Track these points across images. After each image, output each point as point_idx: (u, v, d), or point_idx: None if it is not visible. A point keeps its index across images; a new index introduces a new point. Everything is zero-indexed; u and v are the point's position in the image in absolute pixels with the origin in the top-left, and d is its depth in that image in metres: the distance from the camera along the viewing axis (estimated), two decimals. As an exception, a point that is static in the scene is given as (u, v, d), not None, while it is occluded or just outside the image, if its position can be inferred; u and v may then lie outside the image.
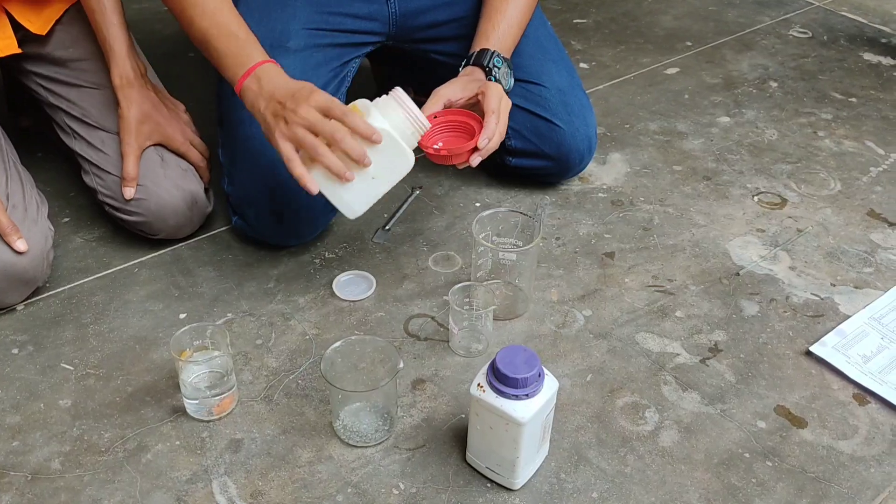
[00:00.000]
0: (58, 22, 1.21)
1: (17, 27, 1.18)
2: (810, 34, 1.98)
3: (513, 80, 1.25)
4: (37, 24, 1.19)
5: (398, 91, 1.03)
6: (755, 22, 2.04)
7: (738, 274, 1.23)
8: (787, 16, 2.08)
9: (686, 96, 1.71)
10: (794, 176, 1.46)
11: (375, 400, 0.98)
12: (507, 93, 1.24)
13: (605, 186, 1.42)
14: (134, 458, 0.93)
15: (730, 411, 1.01)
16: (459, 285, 1.07)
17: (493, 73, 1.19)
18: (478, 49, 1.20)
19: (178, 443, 0.95)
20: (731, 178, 1.45)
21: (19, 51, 1.18)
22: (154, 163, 1.18)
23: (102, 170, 1.19)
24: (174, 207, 1.18)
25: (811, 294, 1.19)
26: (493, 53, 1.19)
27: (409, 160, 1.03)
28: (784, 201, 1.40)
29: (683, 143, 1.55)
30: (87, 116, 1.20)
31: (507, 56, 1.23)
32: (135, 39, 1.23)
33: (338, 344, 0.95)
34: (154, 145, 1.19)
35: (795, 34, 1.98)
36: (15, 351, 1.07)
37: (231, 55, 1.06)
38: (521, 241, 1.14)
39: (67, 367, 1.05)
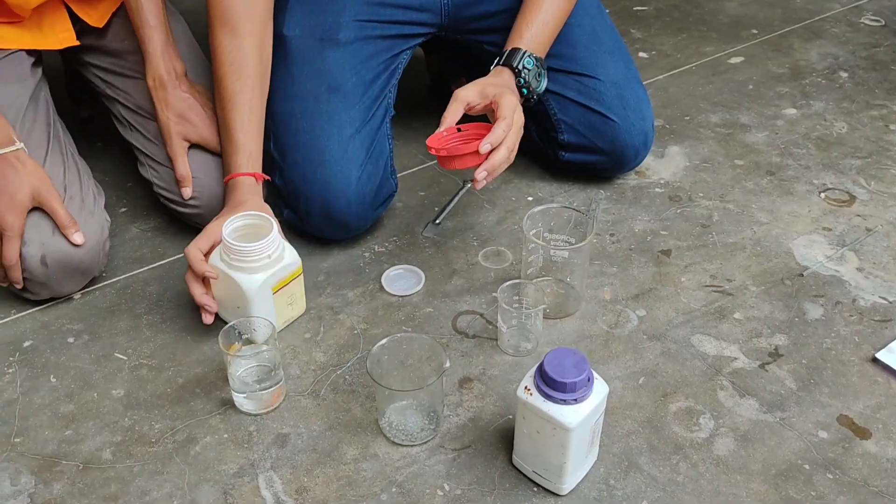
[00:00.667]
0: (115, 14, 1.22)
1: (75, 19, 1.20)
2: (883, 22, 1.89)
3: (545, 81, 1.21)
4: (94, 16, 1.20)
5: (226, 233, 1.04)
6: (825, 9, 1.95)
7: (801, 275, 1.18)
8: (859, 3, 1.98)
9: (750, 87, 1.65)
10: (864, 172, 1.40)
11: (421, 399, 0.97)
12: (536, 96, 1.20)
13: (662, 181, 1.38)
14: (183, 449, 0.94)
15: (790, 420, 0.97)
16: (509, 283, 1.05)
17: (523, 74, 1.16)
18: (509, 48, 1.18)
19: (226, 436, 0.96)
20: (797, 173, 1.40)
21: (77, 43, 1.20)
22: (206, 156, 1.19)
23: (157, 162, 1.20)
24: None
25: (879, 297, 1.14)
26: (524, 54, 1.16)
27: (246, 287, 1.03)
28: (852, 198, 1.33)
29: (746, 136, 1.50)
30: (142, 108, 1.21)
31: (542, 55, 1.19)
32: (178, 33, 1.23)
33: (384, 341, 0.95)
34: (192, 146, 1.20)
35: (867, 22, 1.89)
36: (71, 340, 1.09)
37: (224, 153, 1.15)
38: (574, 238, 1.12)
39: (121, 356, 1.07)
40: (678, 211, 1.31)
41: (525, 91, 1.17)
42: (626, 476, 0.91)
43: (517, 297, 1.06)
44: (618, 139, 1.28)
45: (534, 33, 1.18)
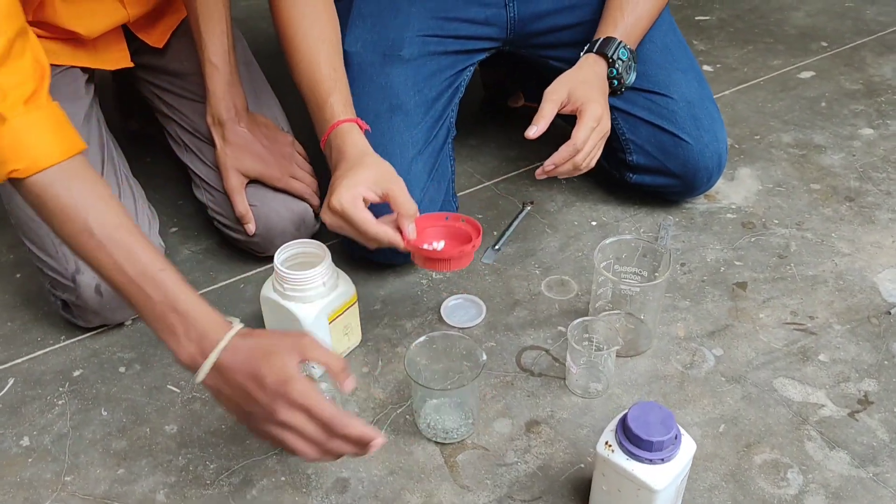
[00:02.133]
0: (174, 35, 1.18)
1: (132, 36, 1.17)
2: (963, 33, 1.80)
3: (635, 74, 1.16)
4: (154, 36, 1.17)
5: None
6: (898, 20, 1.86)
7: (889, 312, 1.10)
8: (936, 12, 1.89)
9: (823, 104, 1.57)
10: (951, 199, 1.31)
11: (458, 396, 0.95)
12: (625, 89, 1.15)
13: (734, 206, 1.31)
14: (239, 493, 0.90)
15: (883, 475, 0.90)
16: (579, 321, 0.99)
17: (617, 65, 1.11)
18: (603, 36, 1.12)
19: (283, 479, 0.92)
20: (878, 199, 1.32)
21: (131, 65, 1.16)
22: (263, 186, 1.15)
23: (212, 186, 1.17)
24: (282, 229, 1.15)
25: (976, 340, 1.06)
26: (619, 44, 1.11)
27: (302, 317, 0.98)
28: (939, 228, 1.26)
29: (821, 158, 1.42)
30: (199, 131, 1.17)
31: (633, 48, 1.13)
32: (239, 55, 1.19)
33: (421, 339, 0.95)
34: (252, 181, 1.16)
35: (945, 33, 1.80)
36: (122, 370, 1.06)
37: (314, 116, 1.05)
38: (644, 270, 1.06)
39: (174, 389, 1.03)
40: (752, 239, 1.24)
41: (615, 83, 1.12)
42: (709, 536, 0.85)
43: (587, 335, 1.01)
44: (690, 161, 1.21)
45: (628, 24, 1.12)
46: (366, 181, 0.93)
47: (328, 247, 1.01)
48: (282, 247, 0.99)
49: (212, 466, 0.93)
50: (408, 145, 1.11)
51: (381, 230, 0.92)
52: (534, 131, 1.05)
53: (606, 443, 0.79)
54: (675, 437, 0.77)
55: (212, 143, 1.16)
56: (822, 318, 1.10)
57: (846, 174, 1.38)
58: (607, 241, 1.03)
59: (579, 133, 1.04)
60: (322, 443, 0.75)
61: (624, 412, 0.80)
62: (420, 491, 0.90)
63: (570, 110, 1.08)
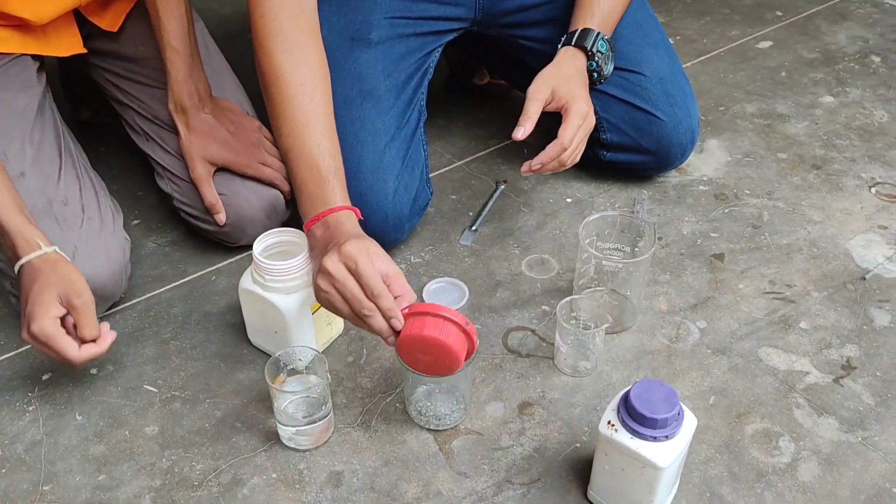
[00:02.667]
0: (128, 17, 1.12)
1: (84, 20, 1.10)
2: (911, 1, 1.83)
3: (613, 65, 1.15)
4: (106, 20, 1.11)
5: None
6: (849, -12, 1.89)
7: (864, 278, 1.12)
8: (883, -20, 1.92)
9: (783, 73, 1.58)
10: (913, 164, 1.34)
11: (450, 381, 0.93)
12: (604, 80, 1.14)
13: (705, 178, 1.31)
14: (230, 493, 0.87)
15: (872, 439, 0.92)
16: (566, 299, 0.98)
17: (596, 58, 1.09)
18: (580, 27, 1.10)
19: (274, 475, 0.89)
20: (844, 166, 1.34)
21: (84, 51, 1.10)
22: (231, 175, 1.11)
23: (177, 176, 1.12)
24: (252, 217, 1.11)
25: (947, 301, 1.09)
26: (597, 35, 1.09)
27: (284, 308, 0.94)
28: (904, 193, 1.28)
29: (786, 127, 1.43)
30: (160, 118, 1.12)
31: (609, 37, 1.12)
32: (200, 42, 1.13)
33: None
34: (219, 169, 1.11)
35: (892, 2, 1.83)
36: (94, 371, 1.01)
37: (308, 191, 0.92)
38: (626, 245, 1.05)
39: (151, 388, 0.98)
40: (726, 210, 1.25)
41: (595, 75, 1.11)
42: (709, 509, 0.85)
43: (574, 314, 1.00)
44: (664, 138, 1.21)
45: (605, 12, 1.11)
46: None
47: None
48: (260, 236, 0.96)
49: (198, 467, 0.90)
50: (380, 132, 1.08)
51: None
52: (521, 133, 1.03)
53: (609, 422, 0.79)
54: (679, 414, 0.77)
55: (174, 131, 1.11)
56: (800, 285, 1.11)
57: (811, 142, 1.39)
58: (591, 218, 1.02)
59: (566, 132, 1.03)
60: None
61: (625, 390, 0.79)
62: (417, 480, 0.88)
63: (554, 108, 1.06)
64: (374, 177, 1.07)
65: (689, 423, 0.79)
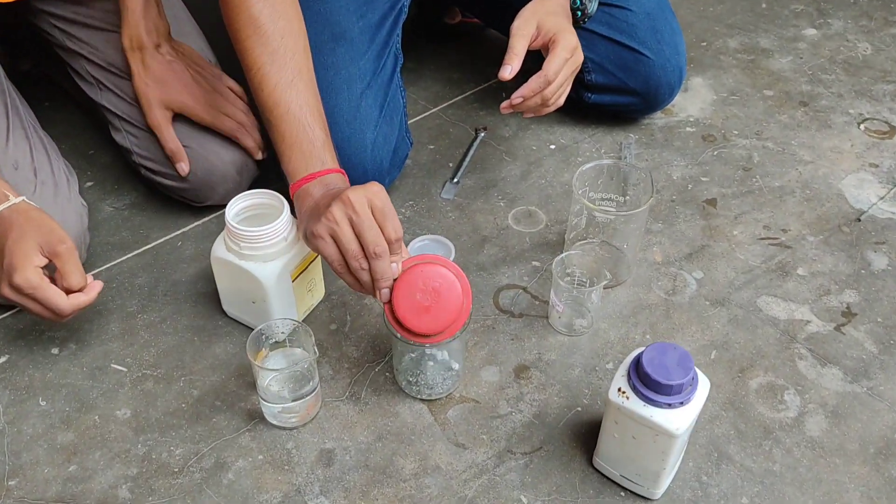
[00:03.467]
0: None
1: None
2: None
3: (597, 3, 1.08)
4: None
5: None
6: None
7: (858, 220, 1.09)
8: None
9: (763, 5, 1.52)
10: (900, 98, 1.31)
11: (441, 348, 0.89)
12: (588, 18, 1.07)
13: (692, 119, 1.26)
14: (214, 478, 0.81)
15: (877, 388, 0.89)
16: (561, 256, 0.93)
17: None
18: None
19: (261, 457, 0.83)
20: (831, 102, 1.29)
21: None
22: (194, 125, 1.02)
23: (136, 126, 1.02)
24: (223, 173, 1.02)
25: (943, 241, 1.06)
26: None
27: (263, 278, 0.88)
28: (893, 129, 1.24)
29: (770, 63, 1.38)
30: (114, 65, 1.02)
31: None
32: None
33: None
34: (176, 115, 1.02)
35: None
36: (55, 351, 0.93)
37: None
38: (618, 195, 1.00)
39: (119, 368, 0.91)
40: (715, 153, 1.20)
41: (579, 13, 1.05)
42: (718, 470, 0.82)
43: (568, 270, 0.95)
44: (652, 77, 1.15)
45: None
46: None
47: (280, 186, 0.90)
48: (232, 200, 0.88)
49: (177, 452, 0.83)
50: (355, 79, 1.00)
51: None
52: (508, 71, 0.96)
53: (619, 389, 0.74)
54: (693, 378, 0.73)
55: (130, 77, 1.01)
56: (795, 230, 1.08)
57: (797, 78, 1.35)
58: (585, 167, 0.97)
59: (552, 64, 0.97)
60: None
61: (635, 354, 0.75)
62: (413, 454, 0.83)
63: (540, 44, 0.99)
64: (350, 128, 0.99)
65: (703, 386, 0.75)
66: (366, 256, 0.76)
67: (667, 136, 1.23)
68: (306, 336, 0.83)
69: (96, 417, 0.87)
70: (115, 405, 0.88)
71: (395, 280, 0.78)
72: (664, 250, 1.05)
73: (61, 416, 0.87)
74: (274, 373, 0.83)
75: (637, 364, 0.73)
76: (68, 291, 0.82)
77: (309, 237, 0.80)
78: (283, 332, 0.84)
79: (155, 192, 1.11)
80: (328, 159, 0.85)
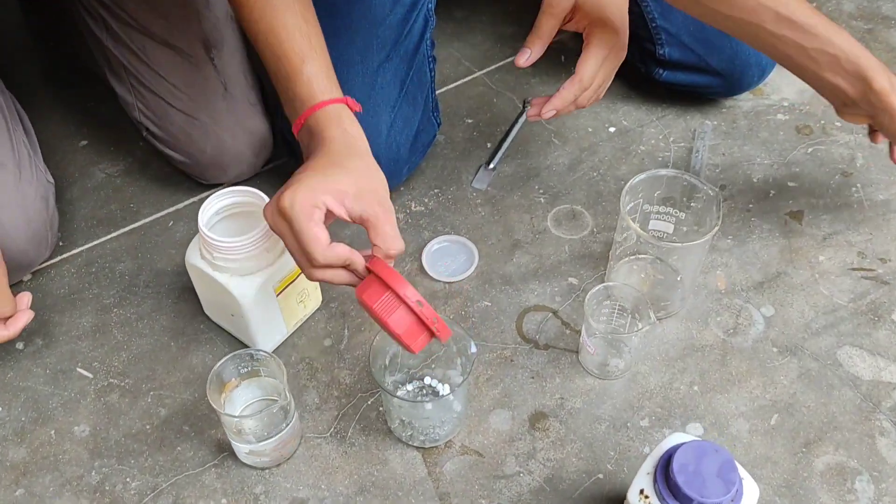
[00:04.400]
0: None
1: None
2: None
3: None
4: None
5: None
6: None
7: (981, 254, 0.89)
8: None
9: (893, -42, 1.26)
10: None
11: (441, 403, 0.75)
12: None
13: (785, 104, 1.05)
14: (168, 523, 0.72)
15: (976, 485, 0.72)
16: (598, 288, 0.76)
17: None
18: None
19: (224, 501, 0.72)
20: (964, 92, 1.06)
21: None
22: (214, 92, 0.89)
23: (144, 86, 0.90)
24: (236, 154, 0.90)
25: None
26: None
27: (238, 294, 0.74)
28: None
29: (892, 35, 1.14)
30: (125, 10, 0.88)
31: None
32: None
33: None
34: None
35: None
36: (20, 345, 0.84)
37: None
38: (681, 210, 0.82)
39: (85, 373, 0.81)
40: (809, 150, 0.99)
41: None
42: (761, 577, 0.68)
43: (608, 302, 0.79)
44: (739, 56, 0.94)
45: None
46: (340, 190, 0.63)
47: (274, 184, 0.76)
48: (209, 198, 0.75)
49: (133, 485, 0.74)
50: (372, 48, 0.83)
51: (331, 254, 0.62)
52: (525, 58, 0.81)
53: (642, 492, 0.60)
54: (738, 492, 0.58)
55: (145, 33, 0.88)
56: (898, 261, 0.89)
57: (924, 56, 1.11)
58: (637, 179, 0.79)
59: (586, 66, 0.80)
60: None
61: (666, 450, 0.60)
62: (398, 515, 0.72)
63: (575, 28, 0.81)
64: (362, 109, 0.84)
65: (750, 496, 0.60)
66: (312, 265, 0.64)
67: (752, 124, 1.03)
68: (279, 370, 0.70)
69: (52, 432, 0.77)
70: (75, 419, 0.78)
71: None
72: (729, 275, 0.88)
73: (15, 427, 0.78)
74: (234, 420, 0.70)
75: (666, 467, 0.59)
76: None
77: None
78: (255, 360, 0.72)
79: (154, 157, 0.99)
80: (314, 92, 0.68)
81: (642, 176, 0.79)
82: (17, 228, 0.79)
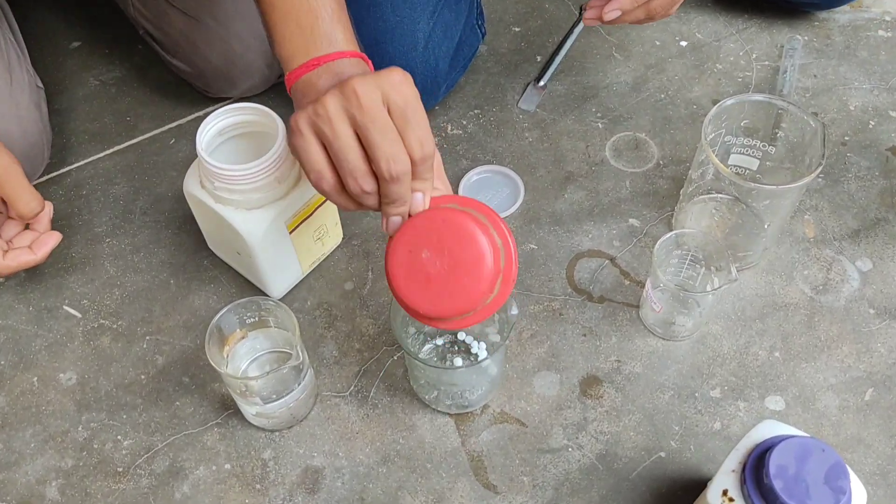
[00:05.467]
0: None
1: None
2: None
3: None
4: None
5: None
6: None
7: None
8: None
9: None
10: None
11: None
12: None
13: (888, 18, 0.90)
14: (164, 489, 0.62)
15: None
16: (671, 235, 0.64)
17: None
18: None
19: (227, 466, 0.63)
20: None
21: None
22: None
23: None
24: (247, 65, 0.78)
25: None
26: None
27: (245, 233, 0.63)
28: None
29: None
30: None
31: None
32: None
33: None
34: None
35: None
36: (0, 278, 0.74)
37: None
38: (770, 144, 0.69)
39: (73, 312, 0.71)
40: (916, 73, 0.85)
41: None
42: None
43: (678, 251, 0.67)
44: (845, -44, 0.79)
45: None
46: None
47: (288, 105, 0.64)
48: (211, 115, 0.63)
49: (125, 443, 0.65)
50: None
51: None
52: (612, 14, 0.64)
53: (725, 493, 0.49)
54: (847, 496, 0.47)
55: None
56: None
57: None
58: (727, 104, 0.66)
59: None
60: None
61: (758, 447, 0.49)
62: (425, 492, 0.62)
63: None
64: (396, 15, 0.70)
65: (858, 498, 0.49)
66: (373, 175, 0.50)
67: (849, 41, 0.88)
68: (290, 323, 0.60)
69: (35, 379, 0.68)
70: (61, 364, 0.69)
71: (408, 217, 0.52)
72: (819, 221, 0.75)
73: (-6, 372, 0.69)
74: (237, 382, 0.60)
75: (758, 465, 0.48)
76: (22, 216, 0.62)
77: (288, 132, 0.54)
78: (252, 318, 0.61)
79: (153, 64, 0.87)
80: (340, 38, 0.56)
81: (732, 100, 0.66)
82: (11, 139, 0.68)
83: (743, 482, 0.48)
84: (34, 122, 0.73)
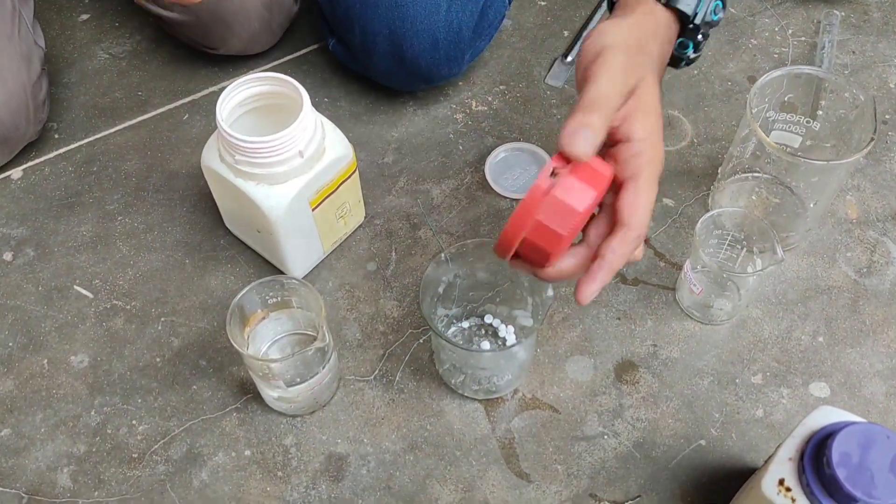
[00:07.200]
0: None
1: None
2: None
3: (723, 10, 0.57)
4: None
5: None
6: None
7: None
8: None
9: None
10: None
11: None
12: (708, 30, 0.56)
13: (929, -8, 0.86)
14: (182, 476, 0.60)
15: None
16: (711, 214, 0.61)
17: (701, 30, 0.55)
18: None
19: (248, 452, 0.61)
20: None
21: None
22: None
23: None
24: (246, 8, 0.73)
25: None
26: None
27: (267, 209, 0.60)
28: None
29: None
30: None
31: None
32: None
33: (446, 252, 0.58)
34: None
35: None
36: (8, 256, 0.71)
37: None
38: (811, 120, 0.66)
39: (84, 292, 0.69)
40: (959, 50, 0.82)
41: (683, 63, 0.57)
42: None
43: (719, 231, 0.64)
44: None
45: None
46: None
47: (306, 76, 0.61)
48: (231, 86, 0.60)
49: (140, 429, 0.62)
50: None
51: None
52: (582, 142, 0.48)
53: (782, 483, 0.46)
54: (914, 492, 0.44)
55: None
56: None
57: None
58: (770, 77, 0.63)
59: (624, 202, 0.50)
60: None
61: (816, 434, 0.46)
62: (455, 480, 0.59)
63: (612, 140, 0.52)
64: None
65: (923, 494, 0.46)
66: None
67: (888, 16, 0.84)
68: (315, 303, 0.57)
69: (45, 362, 0.65)
70: (72, 346, 0.66)
71: None
72: (863, 201, 0.72)
73: (1, 354, 0.65)
74: (260, 364, 0.57)
75: (818, 453, 0.45)
76: None
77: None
78: (285, 290, 0.59)
79: (164, 38, 0.83)
80: None
81: (778, 72, 0.62)
82: None
83: (801, 471, 0.46)
84: (17, 73, 0.68)
